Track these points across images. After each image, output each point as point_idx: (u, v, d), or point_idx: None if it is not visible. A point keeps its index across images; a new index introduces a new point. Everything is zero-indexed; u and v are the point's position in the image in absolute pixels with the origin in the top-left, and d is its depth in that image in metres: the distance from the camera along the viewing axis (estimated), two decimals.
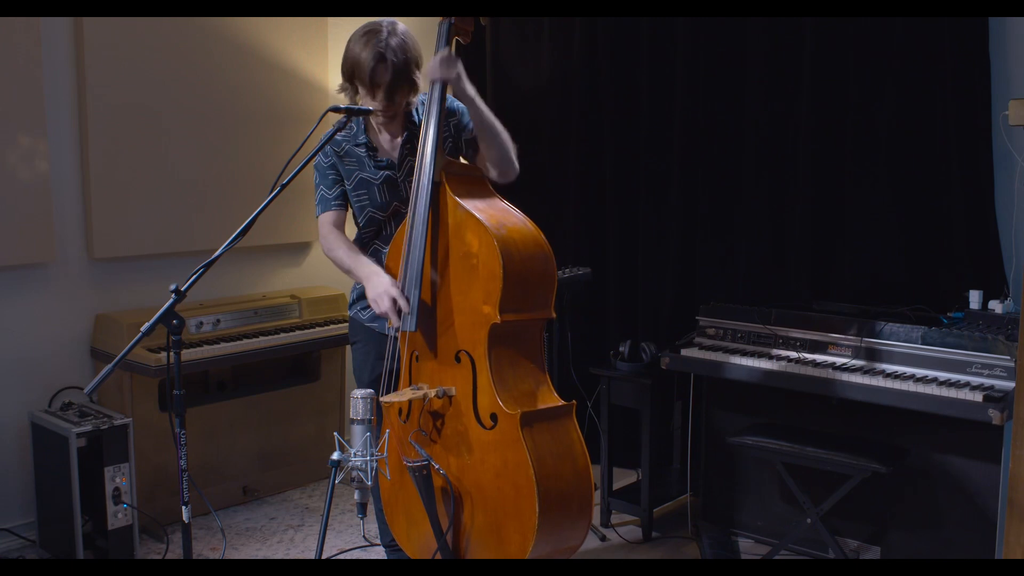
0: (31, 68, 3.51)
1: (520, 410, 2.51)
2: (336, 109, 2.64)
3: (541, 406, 2.61)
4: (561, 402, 2.65)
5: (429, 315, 2.68)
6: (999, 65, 3.43)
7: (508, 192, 2.83)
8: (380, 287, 2.68)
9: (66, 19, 3.62)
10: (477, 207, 2.62)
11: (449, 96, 2.81)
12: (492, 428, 2.55)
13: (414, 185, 2.68)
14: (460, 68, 2.72)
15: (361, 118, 2.88)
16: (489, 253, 2.54)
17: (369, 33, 2.75)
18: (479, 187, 2.75)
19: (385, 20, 2.78)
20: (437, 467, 2.61)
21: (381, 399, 2.64)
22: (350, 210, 2.98)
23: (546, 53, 4.58)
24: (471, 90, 2.75)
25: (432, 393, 2.62)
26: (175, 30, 3.85)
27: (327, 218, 2.93)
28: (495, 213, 2.64)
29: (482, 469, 2.58)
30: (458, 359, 2.62)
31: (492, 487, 2.56)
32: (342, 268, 2.90)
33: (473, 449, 2.59)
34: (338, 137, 2.89)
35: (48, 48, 3.58)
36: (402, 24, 2.81)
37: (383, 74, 2.72)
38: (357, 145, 2.90)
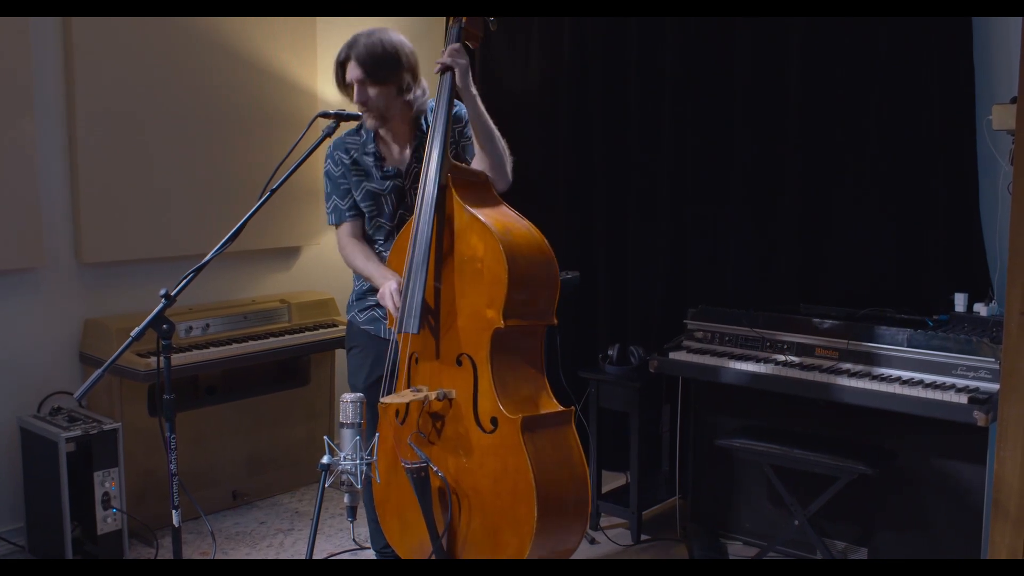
0: (20, 72, 3.50)
1: (521, 415, 2.51)
2: (325, 114, 2.65)
3: (542, 411, 2.61)
4: (561, 408, 2.65)
5: (432, 317, 2.68)
6: (983, 69, 3.46)
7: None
8: (387, 287, 2.73)
9: (55, 23, 3.61)
10: (483, 211, 2.62)
11: (457, 103, 2.81)
12: (492, 432, 2.55)
13: (420, 186, 2.68)
14: (468, 61, 2.76)
15: (373, 130, 2.88)
16: (494, 258, 2.54)
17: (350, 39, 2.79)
18: (484, 192, 2.75)
19: (373, 28, 2.81)
20: (435, 469, 2.61)
21: (380, 400, 2.64)
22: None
23: (535, 56, 4.60)
24: (474, 88, 2.77)
25: (432, 395, 2.62)
26: (165, 34, 3.85)
27: (344, 229, 2.99)
28: (500, 218, 2.64)
29: (480, 473, 2.58)
30: (459, 362, 2.62)
31: (490, 491, 2.56)
32: (363, 276, 2.96)
33: (472, 452, 2.59)
34: (349, 145, 2.90)
35: (37, 52, 3.57)
36: (392, 32, 2.82)
37: (351, 72, 2.77)
38: (366, 154, 2.90)
